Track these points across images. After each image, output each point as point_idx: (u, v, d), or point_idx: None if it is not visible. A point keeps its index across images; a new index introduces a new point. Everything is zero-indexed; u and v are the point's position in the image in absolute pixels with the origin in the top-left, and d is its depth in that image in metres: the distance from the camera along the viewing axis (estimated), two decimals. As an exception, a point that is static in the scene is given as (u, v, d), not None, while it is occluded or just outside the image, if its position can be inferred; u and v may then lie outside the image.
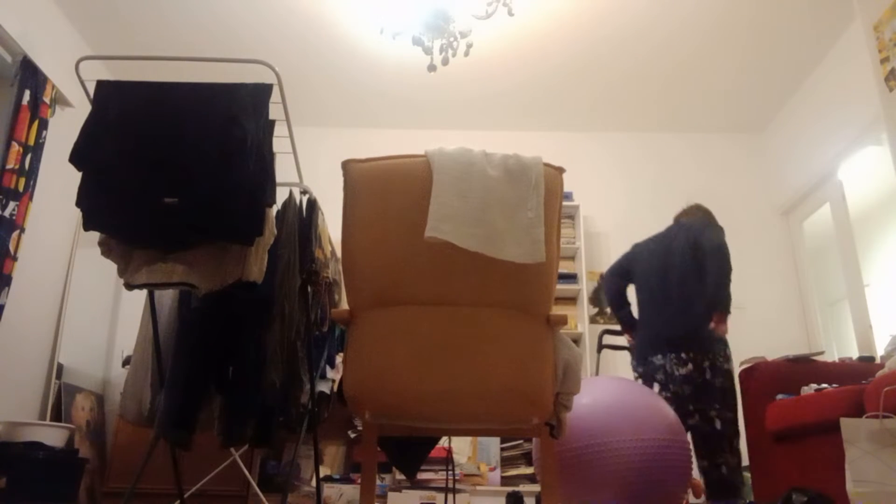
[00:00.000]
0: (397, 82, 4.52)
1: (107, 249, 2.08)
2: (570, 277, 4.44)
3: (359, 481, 3.57)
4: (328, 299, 2.78)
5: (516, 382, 1.61)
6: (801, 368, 2.76)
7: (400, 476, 3.68)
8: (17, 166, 3.22)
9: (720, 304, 3.01)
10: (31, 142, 3.34)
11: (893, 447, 1.85)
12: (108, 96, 2.07)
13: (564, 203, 3.94)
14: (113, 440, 3.83)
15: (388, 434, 1.85)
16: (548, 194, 1.67)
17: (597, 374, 4.09)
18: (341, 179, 1.72)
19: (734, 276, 4.62)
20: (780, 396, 2.69)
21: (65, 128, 3.79)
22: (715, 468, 2.94)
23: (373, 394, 1.62)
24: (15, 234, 3.21)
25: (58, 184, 3.76)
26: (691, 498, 3.58)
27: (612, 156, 5.04)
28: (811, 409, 2.40)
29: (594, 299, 4.62)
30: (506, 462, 3.82)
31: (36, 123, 3.37)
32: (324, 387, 3.08)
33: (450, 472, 3.56)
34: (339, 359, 3.23)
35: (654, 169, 4.99)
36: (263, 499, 3.01)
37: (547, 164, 1.71)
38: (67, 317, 3.84)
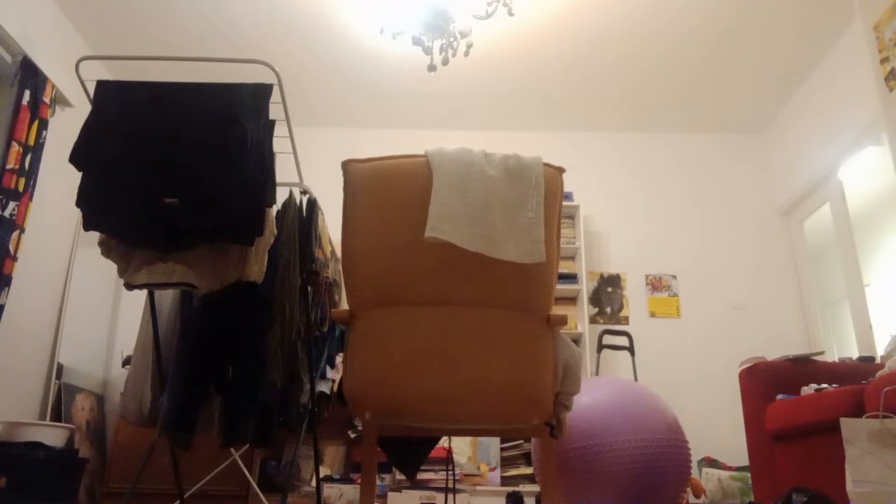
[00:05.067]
0: (397, 82, 4.52)
1: (107, 249, 2.08)
2: (570, 277, 4.44)
3: (359, 481, 3.57)
4: (328, 299, 2.78)
5: (516, 382, 1.61)
6: (801, 368, 2.75)
7: (400, 476, 3.68)
8: (17, 166, 3.22)
9: None
10: (31, 142, 3.34)
11: (893, 447, 1.84)
12: (109, 96, 2.07)
13: (564, 203, 3.94)
14: (113, 440, 3.83)
15: (388, 434, 1.85)
16: (548, 194, 1.67)
17: (597, 374, 4.09)
18: (341, 179, 1.72)
19: (735, 276, 4.65)
20: (780, 396, 2.68)
21: (65, 128, 3.79)
22: None
23: (373, 394, 1.62)
24: (15, 234, 3.21)
25: (58, 184, 3.76)
26: (691, 498, 3.58)
27: (612, 156, 5.04)
28: (811, 409, 2.39)
29: (594, 299, 4.63)
30: (506, 462, 3.82)
31: (36, 123, 3.37)
32: (324, 387, 3.08)
33: (450, 472, 3.56)
34: (339, 359, 3.23)
35: (655, 168, 4.99)
36: (263, 499, 3.00)
37: (547, 164, 1.71)
38: (67, 317, 3.84)
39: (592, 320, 4.55)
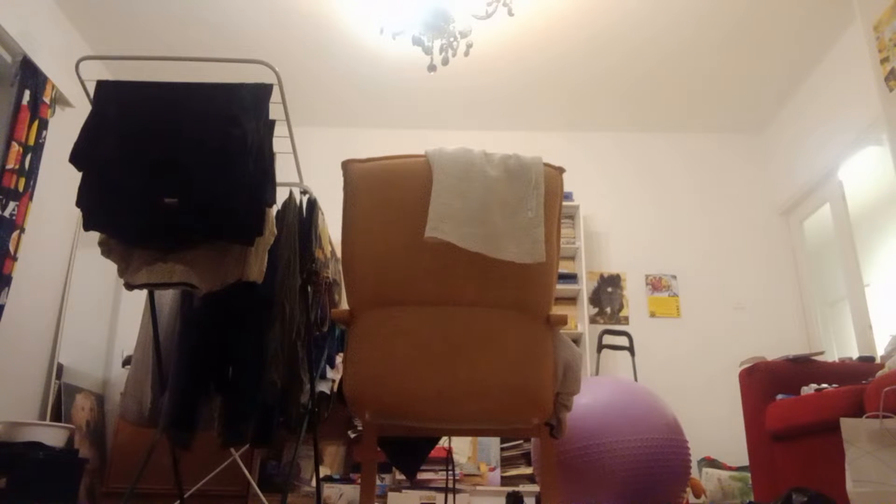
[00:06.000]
0: (397, 82, 4.52)
1: (107, 249, 2.08)
2: (570, 277, 4.44)
3: (359, 481, 3.57)
4: (328, 299, 2.78)
5: (516, 382, 1.61)
6: (801, 368, 2.75)
7: (400, 476, 3.68)
8: (17, 166, 3.22)
9: None
10: (31, 142, 3.34)
11: (893, 447, 1.85)
12: (108, 96, 2.07)
13: (564, 203, 3.94)
14: (113, 440, 3.83)
15: (388, 434, 1.85)
16: (548, 194, 1.67)
17: (597, 374, 4.09)
18: (341, 179, 1.72)
19: (735, 277, 4.65)
20: (780, 396, 2.68)
21: (65, 128, 3.78)
22: None
23: (373, 394, 1.62)
24: (15, 234, 3.21)
25: (58, 184, 3.76)
26: (691, 498, 3.58)
27: (612, 155, 5.04)
28: (811, 409, 2.39)
29: (594, 299, 4.62)
30: (506, 462, 3.82)
31: (36, 123, 3.37)
32: (324, 387, 3.08)
33: (450, 472, 3.56)
34: (339, 359, 3.23)
35: (655, 168, 4.99)
36: (263, 499, 3.01)
37: (547, 164, 1.71)
38: (67, 317, 3.84)
39: (592, 320, 4.55)
